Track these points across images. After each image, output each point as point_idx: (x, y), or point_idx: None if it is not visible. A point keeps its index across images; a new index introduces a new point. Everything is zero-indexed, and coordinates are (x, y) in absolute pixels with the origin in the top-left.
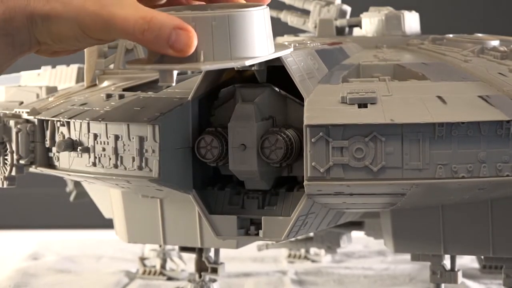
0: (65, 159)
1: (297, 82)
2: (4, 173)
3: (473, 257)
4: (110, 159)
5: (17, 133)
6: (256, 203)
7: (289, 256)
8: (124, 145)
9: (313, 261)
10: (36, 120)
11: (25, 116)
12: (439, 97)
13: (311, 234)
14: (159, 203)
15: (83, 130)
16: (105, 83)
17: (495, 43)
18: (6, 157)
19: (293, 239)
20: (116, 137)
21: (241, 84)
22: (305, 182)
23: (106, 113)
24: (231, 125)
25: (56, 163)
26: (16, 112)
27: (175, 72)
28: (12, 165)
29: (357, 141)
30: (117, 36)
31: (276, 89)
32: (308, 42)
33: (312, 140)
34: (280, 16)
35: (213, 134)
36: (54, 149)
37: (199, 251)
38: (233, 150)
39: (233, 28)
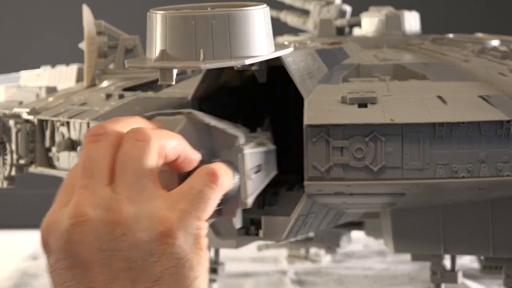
0: (64, 159)
1: (297, 82)
2: (4, 173)
3: (473, 257)
4: None
5: (16, 133)
6: (256, 203)
7: (289, 256)
8: None
9: (313, 261)
10: (35, 120)
11: (24, 116)
12: (439, 97)
13: (311, 234)
14: None
15: (82, 130)
16: (105, 83)
17: (495, 43)
18: (5, 157)
19: (293, 239)
20: None
21: (157, 112)
22: (305, 182)
23: (106, 113)
24: None
25: (56, 163)
26: (15, 112)
27: (174, 71)
28: (11, 165)
29: (357, 141)
30: None
31: (199, 116)
32: (308, 42)
33: (312, 140)
34: (280, 16)
35: None
36: (53, 149)
37: None
38: None
39: (233, 27)
